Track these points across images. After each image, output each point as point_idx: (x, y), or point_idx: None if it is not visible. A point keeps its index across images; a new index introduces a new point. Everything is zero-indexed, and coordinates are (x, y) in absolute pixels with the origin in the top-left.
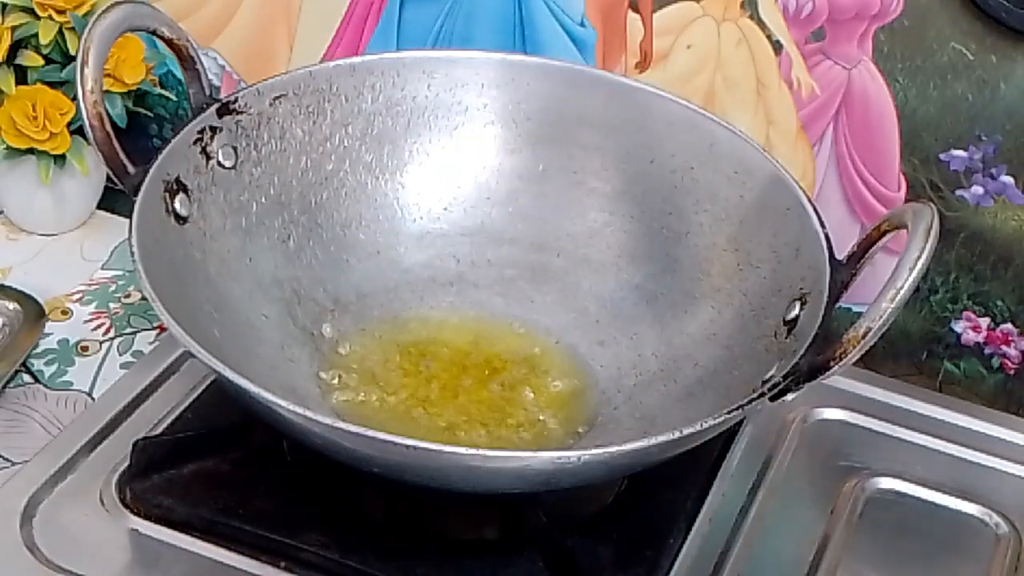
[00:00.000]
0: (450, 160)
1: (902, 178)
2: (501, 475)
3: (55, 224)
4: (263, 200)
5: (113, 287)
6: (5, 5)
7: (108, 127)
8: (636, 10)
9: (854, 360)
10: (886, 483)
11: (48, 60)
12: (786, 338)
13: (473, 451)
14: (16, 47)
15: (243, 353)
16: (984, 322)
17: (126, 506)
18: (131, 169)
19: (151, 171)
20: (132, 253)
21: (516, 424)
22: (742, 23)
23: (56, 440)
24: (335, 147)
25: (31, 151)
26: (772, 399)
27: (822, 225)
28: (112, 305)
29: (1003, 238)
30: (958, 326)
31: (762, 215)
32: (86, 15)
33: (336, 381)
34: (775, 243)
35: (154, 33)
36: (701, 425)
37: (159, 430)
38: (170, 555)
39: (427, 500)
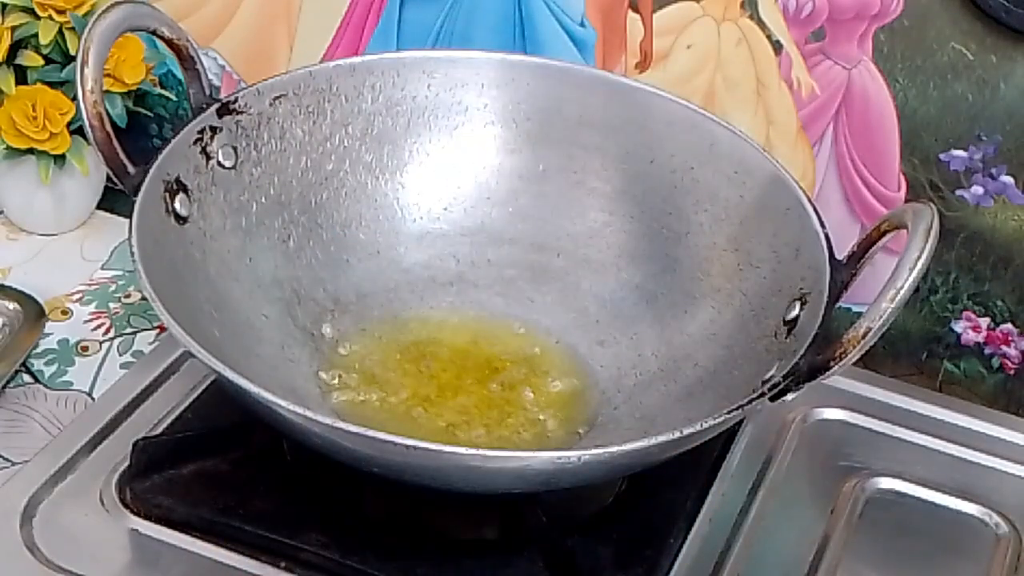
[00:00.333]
0: (450, 160)
1: (902, 178)
2: (501, 475)
3: (55, 224)
4: (263, 200)
5: (113, 287)
6: (5, 5)
7: (108, 127)
8: (636, 10)
9: (854, 360)
10: (886, 483)
11: (48, 60)
12: (786, 338)
13: (473, 451)
14: (16, 47)
15: (243, 353)
16: (984, 322)
17: (126, 506)
18: (131, 169)
19: (151, 171)
20: (132, 253)
21: (516, 424)
22: (742, 23)
23: (56, 440)
24: (335, 147)
25: (31, 151)
26: (772, 399)
27: (822, 225)
28: (112, 305)
29: (1003, 238)
30: (958, 326)
31: (762, 215)
32: (86, 15)
33: (336, 381)
34: (775, 243)
35: (154, 33)
36: (701, 425)
37: (159, 430)
38: (170, 555)
39: (427, 500)
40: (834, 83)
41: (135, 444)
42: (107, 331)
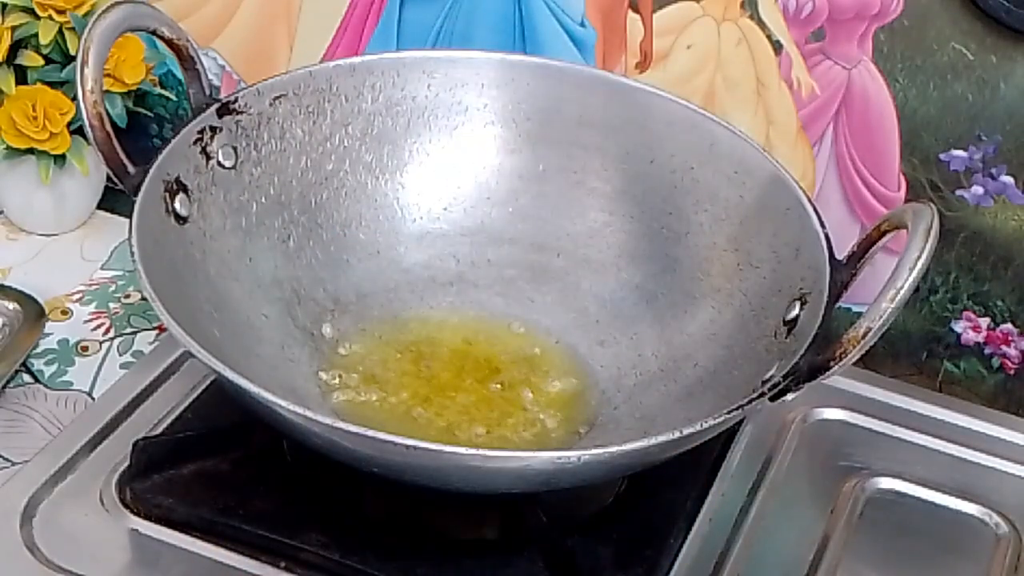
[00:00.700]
0: (450, 160)
1: (902, 178)
2: (501, 475)
3: (55, 224)
4: (263, 200)
5: (113, 287)
6: (5, 5)
7: (108, 127)
8: (636, 10)
9: (854, 360)
10: (886, 483)
11: (48, 60)
12: (786, 338)
13: (473, 451)
14: (16, 47)
15: (243, 353)
16: (984, 322)
17: (126, 506)
18: (131, 169)
19: (151, 171)
20: (132, 253)
21: (516, 424)
22: (742, 23)
23: (56, 440)
24: (335, 147)
25: (31, 151)
26: (772, 399)
27: (822, 225)
28: (112, 305)
29: (1003, 238)
30: (958, 326)
31: (762, 215)
32: (86, 15)
33: (336, 381)
34: (775, 243)
35: (154, 33)
36: (701, 425)
37: (159, 430)
38: (170, 555)
39: (427, 500)
40: (834, 83)
41: (135, 444)
42: (107, 331)
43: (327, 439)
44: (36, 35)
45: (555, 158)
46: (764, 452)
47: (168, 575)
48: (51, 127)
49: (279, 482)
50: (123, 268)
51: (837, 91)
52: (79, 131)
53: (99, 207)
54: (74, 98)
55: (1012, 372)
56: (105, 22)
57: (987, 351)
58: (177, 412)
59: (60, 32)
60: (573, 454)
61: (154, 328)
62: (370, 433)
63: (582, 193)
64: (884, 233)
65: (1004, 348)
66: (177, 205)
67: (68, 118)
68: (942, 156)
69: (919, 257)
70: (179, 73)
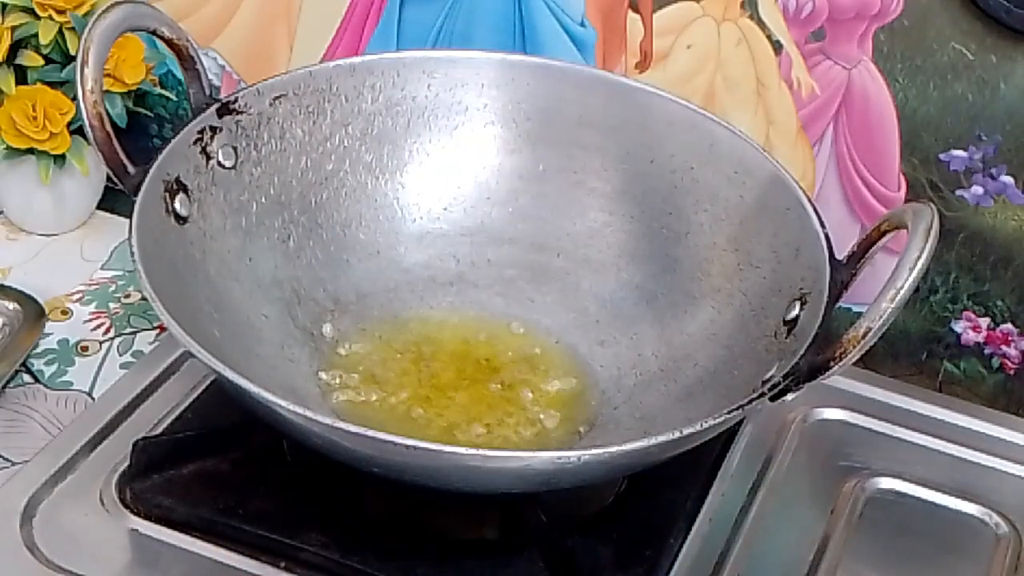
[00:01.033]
0: (450, 160)
1: (902, 178)
2: (501, 475)
3: (55, 224)
4: (263, 200)
5: (113, 287)
6: (5, 5)
7: (108, 127)
8: (636, 10)
9: (854, 360)
10: (886, 483)
11: (48, 60)
12: (786, 338)
13: (473, 451)
14: (16, 47)
15: (243, 353)
16: (984, 322)
17: (126, 506)
18: (131, 169)
19: (151, 171)
20: (132, 253)
21: (516, 424)
22: (742, 23)
23: (56, 440)
24: (335, 147)
25: (31, 151)
26: (772, 399)
27: (822, 225)
28: (112, 305)
29: (1003, 238)
30: (958, 326)
31: (762, 215)
32: (86, 15)
33: (336, 381)
34: (775, 243)
35: (154, 33)
36: (701, 425)
37: (159, 430)
38: (170, 555)
39: (427, 500)
40: (834, 83)
41: (135, 444)
42: (107, 331)
43: (327, 439)
44: (36, 35)
45: (555, 158)
46: (764, 452)
47: (168, 575)
48: (51, 127)
49: (279, 482)
50: (123, 268)
51: (837, 91)
52: (79, 131)
53: (99, 207)
54: (74, 98)
55: (1012, 372)
56: (105, 22)
57: (987, 351)
58: (177, 412)
59: (60, 32)
60: (573, 454)
61: (154, 328)
62: (370, 433)
63: (582, 193)
64: (884, 233)
65: (1004, 348)
66: (177, 205)
67: (68, 118)
68: (942, 156)
69: (919, 257)
70: (179, 73)
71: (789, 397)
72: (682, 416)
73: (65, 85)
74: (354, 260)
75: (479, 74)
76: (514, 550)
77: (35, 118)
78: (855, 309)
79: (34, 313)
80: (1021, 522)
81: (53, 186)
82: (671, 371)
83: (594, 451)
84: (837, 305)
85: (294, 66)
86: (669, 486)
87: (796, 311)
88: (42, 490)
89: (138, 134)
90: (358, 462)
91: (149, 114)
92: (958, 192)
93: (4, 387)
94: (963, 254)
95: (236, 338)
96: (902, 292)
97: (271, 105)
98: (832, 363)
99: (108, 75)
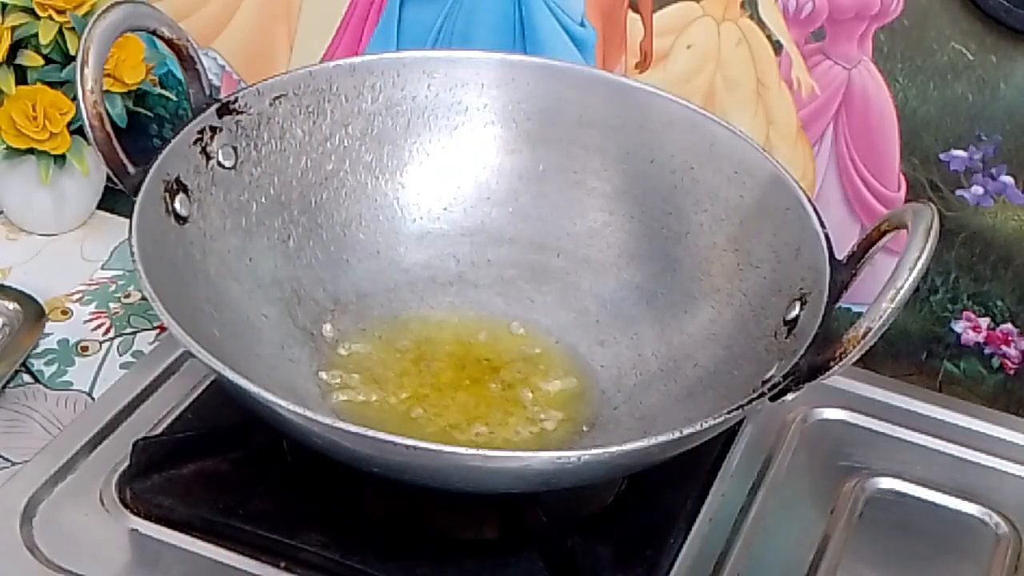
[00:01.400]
0: (450, 160)
1: (902, 178)
2: (501, 475)
3: (55, 224)
4: (263, 200)
5: (113, 287)
6: (5, 5)
7: (108, 127)
8: (636, 10)
9: (854, 360)
10: (886, 483)
11: (48, 60)
12: (786, 338)
13: (473, 451)
14: (16, 47)
15: (243, 353)
16: (984, 322)
17: (126, 506)
18: (131, 169)
19: (151, 171)
20: (132, 253)
21: (516, 424)
22: (742, 23)
23: (56, 440)
24: (335, 147)
25: (31, 151)
26: (772, 399)
27: (822, 225)
28: (112, 305)
29: (1003, 238)
30: (958, 326)
31: (762, 215)
32: (86, 15)
33: (336, 381)
34: (775, 243)
35: (154, 33)
36: (701, 425)
37: (159, 430)
38: (170, 555)
39: (427, 500)
40: (834, 83)
41: (135, 444)
42: (107, 331)
43: (327, 439)
44: (36, 35)
45: (555, 158)
46: (764, 452)
47: (168, 575)
48: (51, 127)
49: (279, 482)
50: (123, 268)
51: (837, 91)
52: (79, 131)
53: (99, 207)
54: (74, 98)
55: (1012, 372)
56: (105, 22)
57: (987, 351)
58: (177, 412)
59: (60, 32)
60: (573, 454)
61: (154, 328)
62: (370, 433)
63: (582, 193)
64: (884, 233)
65: (1004, 348)
66: (177, 205)
67: (68, 118)
68: (942, 156)
69: (919, 257)
70: (179, 73)
71: (789, 397)
72: (682, 416)
73: (65, 85)
74: (354, 260)
75: (479, 74)
76: (514, 550)
77: (35, 118)
78: (855, 309)
79: (34, 313)
80: (1021, 522)
81: (53, 186)
82: (671, 371)
83: (594, 451)
84: (837, 305)
85: (294, 66)
86: (669, 486)
87: (796, 311)
88: (42, 490)
89: (138, 134)
90: (358, 462)
91: (149, 114)
92: (958, 192)
93: (4, 387)
94: (963, 254)
95: (236, 338)
96: (902, 292)
97: (271, 105)
98: (832, 363)
99: (108, 75)
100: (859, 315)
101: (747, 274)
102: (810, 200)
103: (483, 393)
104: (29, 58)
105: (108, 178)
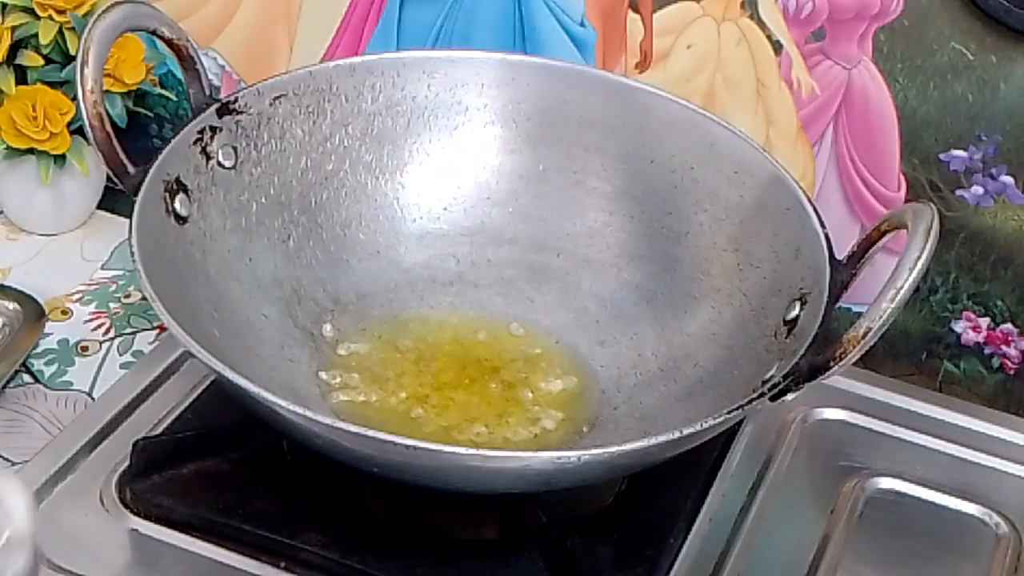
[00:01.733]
0: (450, 160)
1: (902, 178)
2: (501, 475)
3: (55, 224)
4: (263, 200)
5: (113, 287)
6: (5, 5)
7: (108, 127)
8: (636, 10)
9: (854, 360)
10: (886, 483)
11: (48, 60)
12: (786, 338)
13: (473, 451)
14: (16, 47)
15: (243, 353)
16: (984, 322)
17: (126, 506)
18: (131, 169)
19: (151, 171)
20: (132, 253)
21: (516, 424)
22: (742, 23)
23: (56, 440)
24: (335, 147)
25: (31, 151)
26: (772, 399)
27: (822, 225)
28: (112, 305)
29: (1003, 238)
30: (958, 326)
31: (762, 215)
32: (86, 15)
33: (336, 381)
34: (775, 243)
35: (154, 33)
36: (701, 425)
37: (159, 430)
38: (170, 555)
39: (427, 500)
40: (834, 83)
41: (135, 444)
42: (107, 331)
43: (327, 439)
44: (36, 35)
45: (555, 158)
46: (764, 452)
47: (168, 575)
48: (51, 127)
49: (279, 482)
50: (123, 268)
51: (837, 91)
52: (79, 131)
53: (99, 207)
54: (74, 98)
55: (1012, 372)
56: (105, 22)
57: (987, 351)
58: (177, 412)
59: (60, 32)
60: (573, 454)
61: (154, 328)
62: (370, 433)
63: (582, 193)
64: (884, 233)
65: (1004, 348)
66: (177, 205)
67: (68, 118)
68: (942, 156)
69: (919, 257)
70: (179, 73)
71: (789, 397)
72: (682, 416)
73: (65, 85)
74: (354, 260)
75: (479, 74)
76: (514, 550)
77: (35, 118)
78: (855, 309)
79: (34, 313)
80: (1021, 522)
81: (53, 186)
82: (671, 371)
83: (594, 451)
84: (837, 305)
85: (294, 66)
86: (669, 486)
87: (796, 311)
88: (42, 490)
89: (138, 134)
90: (358, 462)
91: (149, 114)
92: (958, 192)
93: (4, 387)
94: (963, 254)
95: (236, 338)
96: (902, 292)
97: (271, 105)
98: (832, 363)
99: (108, 75)
100: (859, 315)
101: (747, 274)
102: (810, 200)
103: (483, 393)
104: (29, 58)
105: (108, 178)
